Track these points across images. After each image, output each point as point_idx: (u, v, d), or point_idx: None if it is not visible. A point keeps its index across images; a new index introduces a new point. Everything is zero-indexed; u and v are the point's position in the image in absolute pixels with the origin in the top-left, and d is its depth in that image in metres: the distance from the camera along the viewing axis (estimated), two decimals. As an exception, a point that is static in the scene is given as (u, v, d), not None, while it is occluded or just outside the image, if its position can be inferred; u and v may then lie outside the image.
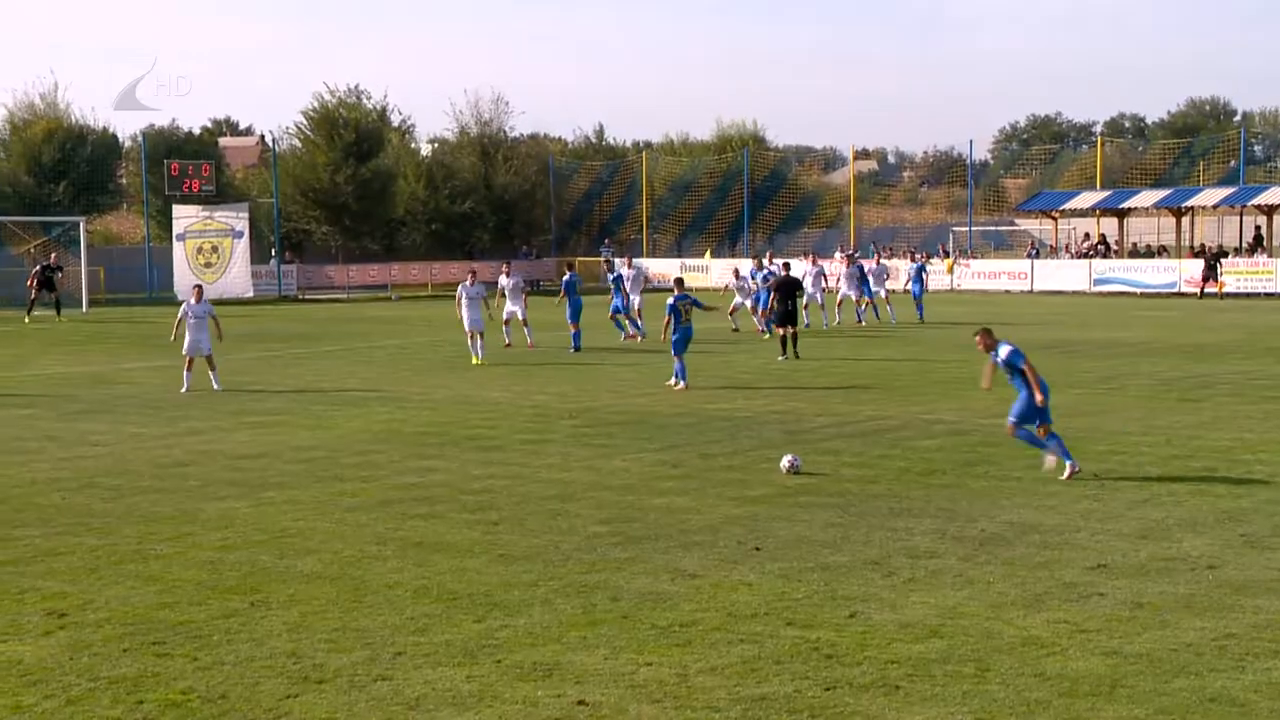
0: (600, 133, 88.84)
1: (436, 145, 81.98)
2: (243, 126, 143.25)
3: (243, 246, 61.62)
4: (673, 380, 26.05)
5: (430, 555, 12.68)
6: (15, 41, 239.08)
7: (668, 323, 26.04)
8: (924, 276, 46.76)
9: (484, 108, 78.47)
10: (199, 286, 28.17)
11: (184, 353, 26.52)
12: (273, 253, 67.17)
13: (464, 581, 11.69)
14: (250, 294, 61.22)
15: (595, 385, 26.93)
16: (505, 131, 79.23)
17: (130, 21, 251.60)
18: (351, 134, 70.63)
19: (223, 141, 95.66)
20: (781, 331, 31.51)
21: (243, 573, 12.11)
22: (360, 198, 70.22)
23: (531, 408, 23.53)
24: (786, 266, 35.82)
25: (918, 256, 54.12)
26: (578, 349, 33.67)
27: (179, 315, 26.87)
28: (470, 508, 14.87)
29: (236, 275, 60.98)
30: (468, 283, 32.08)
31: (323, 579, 11.86)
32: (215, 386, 26.16)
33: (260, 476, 17.06)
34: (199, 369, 26.66)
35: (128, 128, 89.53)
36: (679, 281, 27.51)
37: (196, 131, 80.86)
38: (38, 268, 50.77)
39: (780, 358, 30.92)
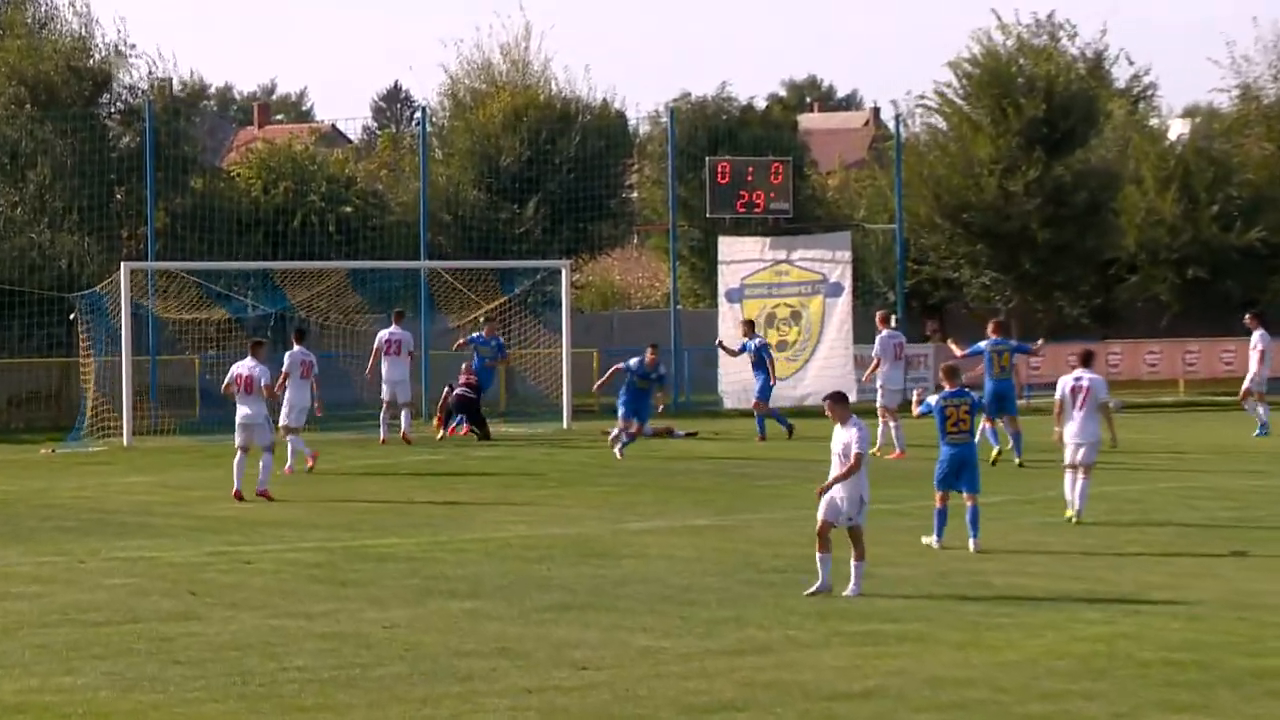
0: None
1: (1197, 121, 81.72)
2: (840, 94, 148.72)
3: (841, 310, 62.34)
4: None
5: None
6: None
7: None
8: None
9: (1292, 51, 77.83)
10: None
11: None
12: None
13: None
14: (851, 396, 62.05)
15: None
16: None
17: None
18: (1039, 104, 71.12)
19: (804, 120, 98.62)
20: None
21: None
22: (1052, 222, 70.45)
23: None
24: None
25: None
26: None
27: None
28: (1259, 808, 14.71)
29: (830, 362, 61.50)
30: None
31: None
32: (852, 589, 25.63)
33: (869, 733, 17.41)
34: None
35: (644, 100, 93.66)
36: None
37: (761, 103, 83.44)
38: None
39: None
